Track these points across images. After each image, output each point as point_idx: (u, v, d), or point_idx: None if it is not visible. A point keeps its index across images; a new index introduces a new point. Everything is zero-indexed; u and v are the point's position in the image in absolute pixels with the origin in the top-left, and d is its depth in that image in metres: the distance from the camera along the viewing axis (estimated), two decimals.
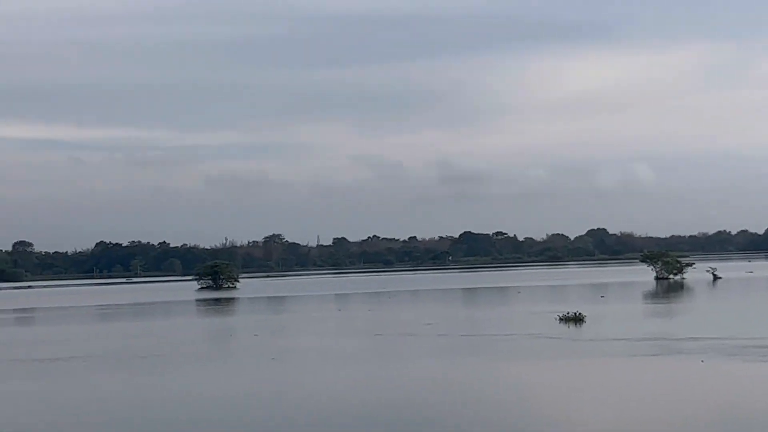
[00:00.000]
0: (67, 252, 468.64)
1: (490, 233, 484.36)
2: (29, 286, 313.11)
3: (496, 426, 37.57)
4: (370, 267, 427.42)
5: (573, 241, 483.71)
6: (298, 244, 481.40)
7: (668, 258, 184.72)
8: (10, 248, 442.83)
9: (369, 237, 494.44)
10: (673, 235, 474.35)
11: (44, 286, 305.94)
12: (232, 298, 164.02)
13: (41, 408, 45.51)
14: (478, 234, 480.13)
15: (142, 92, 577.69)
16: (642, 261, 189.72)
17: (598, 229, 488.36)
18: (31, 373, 59.74)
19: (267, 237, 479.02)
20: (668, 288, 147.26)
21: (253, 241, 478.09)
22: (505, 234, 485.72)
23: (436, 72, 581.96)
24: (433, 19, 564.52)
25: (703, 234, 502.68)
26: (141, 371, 58.65)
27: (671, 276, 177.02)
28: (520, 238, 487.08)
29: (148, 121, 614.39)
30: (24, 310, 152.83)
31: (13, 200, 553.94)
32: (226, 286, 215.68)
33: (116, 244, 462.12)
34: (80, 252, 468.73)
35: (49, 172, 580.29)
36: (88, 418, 42.31)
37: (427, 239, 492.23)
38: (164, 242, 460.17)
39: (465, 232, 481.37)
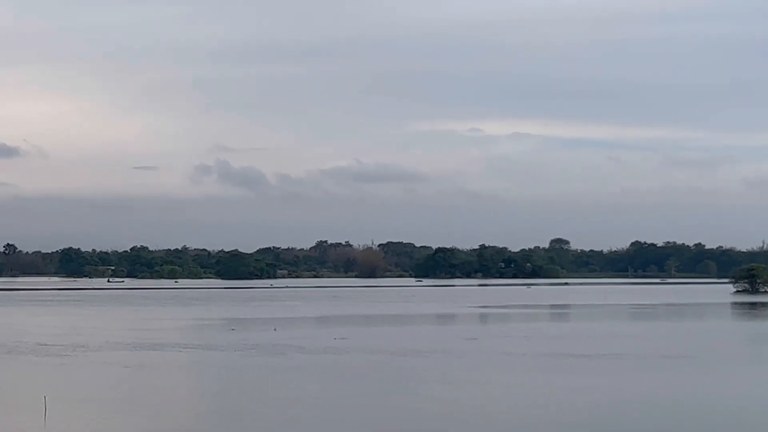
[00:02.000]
0: (602, 250, 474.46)
1: None
2: (565, 283, 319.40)
3: None
4: None
5: None
6: None
7: None
8: (547, 245, 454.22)
9: None
10: None
11: (580, 284, 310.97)
12: None
13: (591, 403, 45.66)
14: None
15: (680, 92, 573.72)
16: None
17: None
18: (566, 367, 60.27)
19: None
20: None
21: None
22: None
23: None
24: None
25: None
26: (674, 372, 57.83)
27: None
28: None
29: (687, 121, 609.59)
30: (559, 306, 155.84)
31: (552, 198, 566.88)
32: (764, 290, 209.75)
33: (651, 244, 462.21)
34: (615, 251, 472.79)
35: (588, 171, 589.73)
36: (647, 414, 41.91)
37: None
38: (699, 243, 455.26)
39: None
